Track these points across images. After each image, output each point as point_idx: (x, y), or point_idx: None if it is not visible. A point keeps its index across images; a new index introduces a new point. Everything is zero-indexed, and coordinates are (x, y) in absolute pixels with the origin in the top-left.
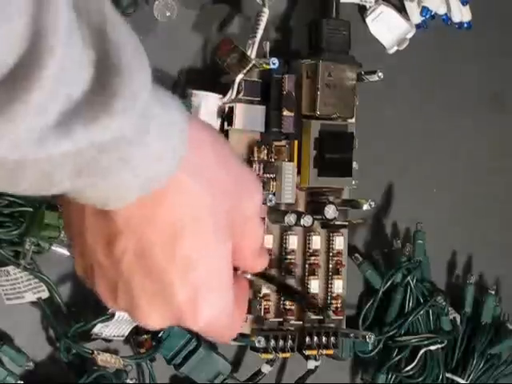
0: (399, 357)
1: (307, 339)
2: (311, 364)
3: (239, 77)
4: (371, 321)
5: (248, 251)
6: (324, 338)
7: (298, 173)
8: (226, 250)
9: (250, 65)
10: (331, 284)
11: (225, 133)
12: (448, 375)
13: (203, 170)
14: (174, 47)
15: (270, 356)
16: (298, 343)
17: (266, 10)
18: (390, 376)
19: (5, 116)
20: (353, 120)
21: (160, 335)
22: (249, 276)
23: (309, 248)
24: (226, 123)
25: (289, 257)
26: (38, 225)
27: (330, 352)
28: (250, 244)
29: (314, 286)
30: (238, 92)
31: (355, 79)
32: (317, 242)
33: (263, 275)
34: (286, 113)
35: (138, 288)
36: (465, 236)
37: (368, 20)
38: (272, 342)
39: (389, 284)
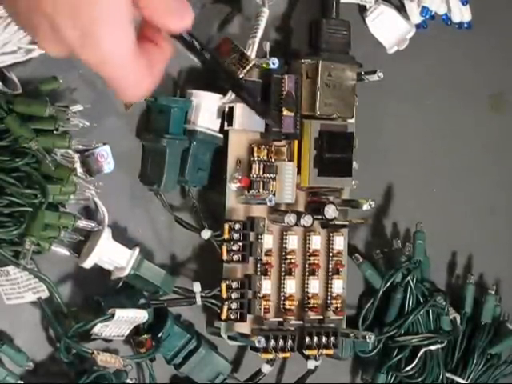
0: (399, 357)
1: (307, 339)
2: (311, 364)
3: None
4: (371, 321)
5: None
6: (324, 338)
7: (298, 173)
8: None
9: (250, 65)
10: (331, 284)
11: (225, 133)
12: (448, 375)
13: None
14: (174, 47)
15: (270, 356)
16: (298, 343)
17: (266, 10)
18: (389, 376)
19: None
20: (353, 120)
21: (160, 335)
22: (166, 36)
23: (309, 248)
24: (226, 123)
25: (289, 257)
26: (38, 225)
27: (330, 352)
28: None
29: (314, 286)
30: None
31: (355, 79)
32: (317, 242)
33: (182, 39)
34: (286, 113)
35: (33, 24)
36: (465, 236)
37: (368, 20)
38: (272, 342)
39: (389, 284)
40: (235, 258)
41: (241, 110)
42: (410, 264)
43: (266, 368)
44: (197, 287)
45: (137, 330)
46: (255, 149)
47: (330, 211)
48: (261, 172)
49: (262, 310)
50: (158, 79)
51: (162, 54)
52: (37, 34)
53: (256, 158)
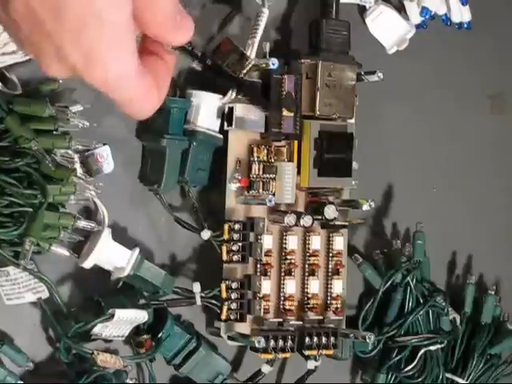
0: (399, 357)
1: (307, 339)
2: (311, 364)
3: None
4: (371, 321)
5: (159, 15)
6: (324, 338)
7: (298, 173)
8: (124, 8)
9: (250, 65)
10: (331, 284)
11: (225, 133)
12: (448, 375)
13: None
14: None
15: (270, 356)
16: (298, 343)
17: (266, 10)
18: (390, 376)
19: None
20: (352, 120)
21: (160, 335)
22: (169, 48)
23: (308, 248)
24: (225, 123)
25: (288, 257)
26: (38, 225)
27: (330, 352)
28: (160, 4)
29: (314, 286)
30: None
31: (355, 79)
32: (316, 242)
33: (184, 49)
34: (285, 113)
35: (35, 45)
36: (465, 236)
37: (368, 20)
38: (272, 342)
39: (389, 284)
40: (235, 258)
41: (241, 110)
42: (409, 264)
43: (265, 368)
44: (197, 287)
45: (137, 330)
46: (255, 149)
47: (330, 211)
48: (260, 172)
49: (262, 310)
50: (165, 93)
51: (166, 67)
52: (39, 56)
53: (256, 159)
